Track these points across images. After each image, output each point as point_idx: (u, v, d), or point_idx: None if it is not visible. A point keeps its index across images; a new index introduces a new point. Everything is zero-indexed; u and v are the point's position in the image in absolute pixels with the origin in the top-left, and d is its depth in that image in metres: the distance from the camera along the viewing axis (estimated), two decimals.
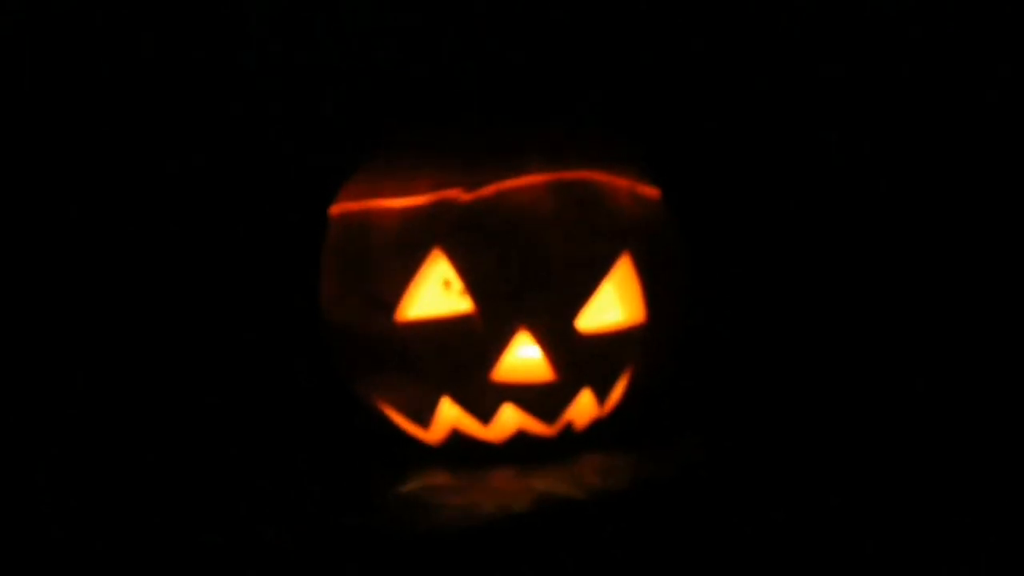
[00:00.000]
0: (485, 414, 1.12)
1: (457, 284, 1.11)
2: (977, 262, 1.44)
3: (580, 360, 1.11)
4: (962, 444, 1.17)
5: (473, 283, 1.09)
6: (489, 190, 1.10)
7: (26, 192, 1.31)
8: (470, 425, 1.13)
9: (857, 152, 1.49)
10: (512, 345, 1.10)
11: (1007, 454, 1.15)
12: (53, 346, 1.32)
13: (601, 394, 1.14)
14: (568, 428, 1.15)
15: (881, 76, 1.48)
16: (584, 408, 1.14)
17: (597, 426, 1.17)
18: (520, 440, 1.14)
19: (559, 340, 1.10)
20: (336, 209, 1.18)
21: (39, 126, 1.32)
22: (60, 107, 1.33)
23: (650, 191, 1.19)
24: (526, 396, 1.11)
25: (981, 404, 1.27)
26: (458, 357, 1.10)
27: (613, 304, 1.15)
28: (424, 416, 1.14)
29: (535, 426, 1.13)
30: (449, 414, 1.13)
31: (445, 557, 0.97)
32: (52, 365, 1.31)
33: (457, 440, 1.14)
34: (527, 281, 1.08)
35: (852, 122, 1.49)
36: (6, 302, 1.30)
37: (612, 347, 1.13)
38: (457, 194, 1.10)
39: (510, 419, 1.12)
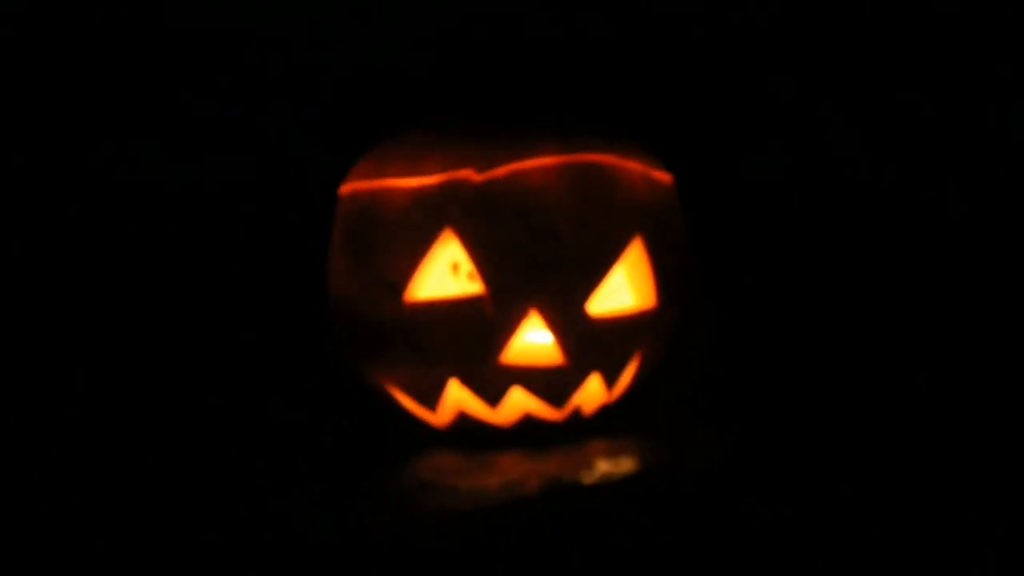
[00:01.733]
0: (493, 397, 1.11)
1: (466, 266, 1.10)
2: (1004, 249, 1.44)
3: (590, 344, 1.10)
4: (981, 440, 1.17)
5: (484, 264, 1.08)
6: (501, 171, 1.08)
7: (43, 172, 1.31)
8: (478, 408, 1.12)
9: (867, 145, 1.48)
10: (522, 328, 1.09)
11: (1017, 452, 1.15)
12: (54, 340, 1.31)
13: (610, 379, 1.14)
14: (576, 413, 1.14)
15: (891, 71, 1.47)
16: (593, 393, 1.13)
17: (605, 411, 1.16)
18: (527, 424, 1.13)
19: (570, 323, 1.09)
20: (345, 188, 1.17)
21: (52, 113, 1.31)
22: (73, 98, 1.32)
23: (663, 176, 1.18)
24: (535, 380, 1.10)
25: (1001, 397, 1.26)
26: (467, 339, 1.09)
27: (624, 288, 1.14)
28: (431, 398, 1.13)
29: (543, 410, 1.12)
30: (457, 396, 1.12)
31: (454, 539, 0.96)
32: (52, 360, 1.31)
33: (464, 423, 1.14)
34: (539, 263, 1.07)
35: (861, 119, 1.48)
36: (10, 290, 1.30)
37: (622, 332, 1.12)
38: (469, 174, 1.09)
39: (518, 403, 1.12)
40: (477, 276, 1.09)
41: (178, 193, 1.36)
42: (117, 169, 1.34)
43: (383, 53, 1.39)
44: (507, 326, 1.08)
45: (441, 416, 1.14)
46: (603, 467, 1.07)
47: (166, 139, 1.36)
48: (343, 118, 1.39)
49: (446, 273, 1.11)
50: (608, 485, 1.04)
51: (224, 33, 1.35)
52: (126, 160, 1.34)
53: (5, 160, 1.30)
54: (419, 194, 1.09)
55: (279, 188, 1.39)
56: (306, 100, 1.39)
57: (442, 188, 1.09)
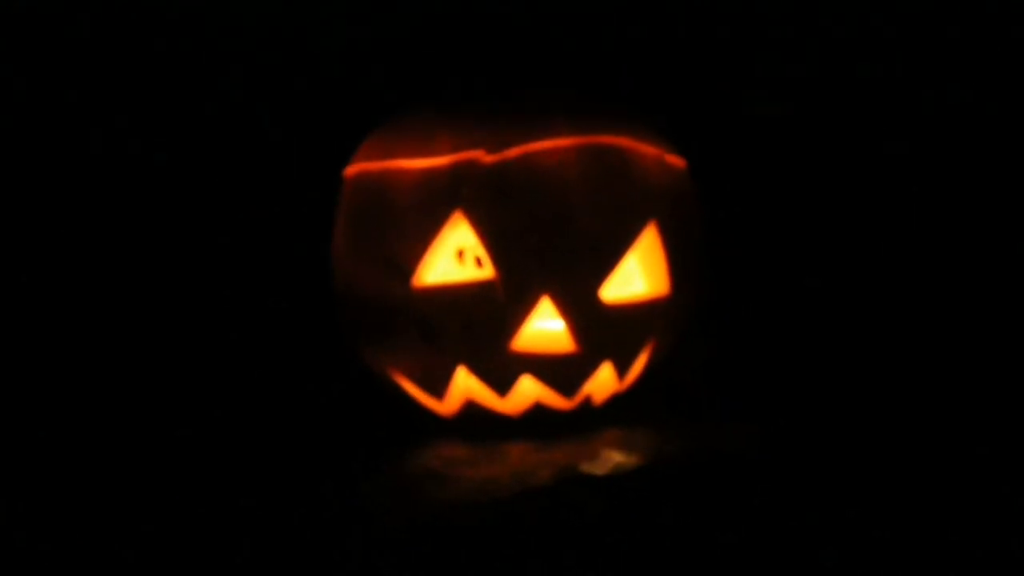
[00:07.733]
0: (502, 385, 1.08)
1: (473, 252, 1.07)
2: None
3: (602, 332, 1.07)
4: (1001, 428, 1.15)
5: (494, 248, 1.05)
6: (514, 152, 1.05)
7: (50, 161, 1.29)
8: (486, 396, 1.09)
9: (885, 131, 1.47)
10: (533, 314, 1.06)
11: None
12: (58, 336, 1.29)
13: (621, 368, 1.11)
14: (586, 402, 1.11)
15: (904, 63, 1.46)
16: (604, 382, 1.11)
17: (615, 401, 1.14)
18: (537, 413, 1.11)
19: (582, 310, 1.06)
20: (351, 170, 1.14)
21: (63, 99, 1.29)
22: (71, 92, 1.30)
23: (677, 161, 1.15)
24: (545, 368, 1.08)
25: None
26: (477, 325, 1.06)
27: (637, 275, 1.11)
28: (439, 387, 1.10)
29: (553, 399, 1.10)
30: (465, 385, 1.09)
31: (464, 531, 0.94)
32: (54, 356, 1.29)
33: (472, 412, 1.11)
34: (551, 248, 1.04)
35: (876, 105, 1.47)
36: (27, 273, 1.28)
37: (635, 319, 1.10)
38: (480, 155, 1.06)
39: (528, 391, 1.09)
40: (487, 260, 1.06)
41: (178, 180, 1.34)
42: (117, 157, 1.32)
43: (390, 27, 1.36)
44: (518, 312, 1.05)
45: (448, 405, 1.11)
46: (614, 458, 1.05)
47: (163, 125, 1.34)
48: (347, 97, 1.36)
49: (452, 259, 1.08)
50: (619, 476, 1.01)
51: (222, 10, 1.32)
52: (126, 147, 1.32)
53: (5, 158, 1.29)
54: (428, 175, 1.06)
55: (280, 168, 1.36)
56: (308, 77, 1.36)
57: (452, 169, 1.06)
